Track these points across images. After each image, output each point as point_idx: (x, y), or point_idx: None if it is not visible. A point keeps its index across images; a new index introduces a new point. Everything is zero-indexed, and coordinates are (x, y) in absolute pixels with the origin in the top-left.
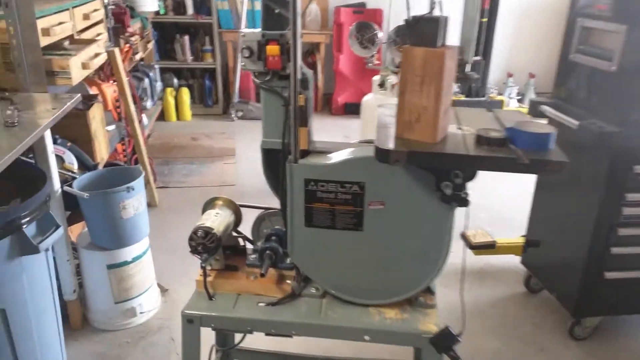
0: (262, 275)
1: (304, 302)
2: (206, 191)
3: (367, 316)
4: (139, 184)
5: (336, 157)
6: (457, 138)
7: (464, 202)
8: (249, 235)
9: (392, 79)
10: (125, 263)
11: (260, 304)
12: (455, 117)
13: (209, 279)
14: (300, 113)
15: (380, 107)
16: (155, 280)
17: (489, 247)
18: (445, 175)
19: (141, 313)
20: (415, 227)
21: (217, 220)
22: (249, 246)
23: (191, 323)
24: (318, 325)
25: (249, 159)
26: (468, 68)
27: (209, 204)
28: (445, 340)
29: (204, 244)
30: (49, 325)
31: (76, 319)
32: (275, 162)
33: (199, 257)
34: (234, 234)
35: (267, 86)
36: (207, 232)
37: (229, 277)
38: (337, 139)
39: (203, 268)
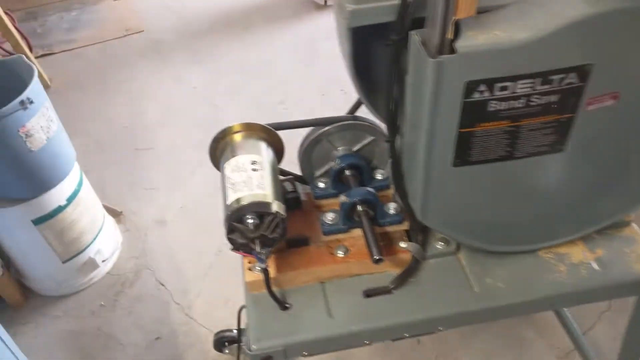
0: (377, 261)
1: (434, 269)
2: (108, 48)
3: (547, 269)
4: (36, 89)
5: (523, 24)
6: None
7: None
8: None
9: None
10: (59, 209)
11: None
12: None
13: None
14: None
15: None
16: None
17: None
18: None
19: (104, 261)
20: None
21: (263, 178)
22: (301, 189)
23: None
24: (483, 310)
25: None
26: None
27: (220, 143)
28: None
29: (264, 235)
30: None
31: (14, 296)
32: (374, 52)
33: (254, 256)
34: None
35: None
36: (263, 213)
37: (300, 259)
38: None
39: (265, 270)
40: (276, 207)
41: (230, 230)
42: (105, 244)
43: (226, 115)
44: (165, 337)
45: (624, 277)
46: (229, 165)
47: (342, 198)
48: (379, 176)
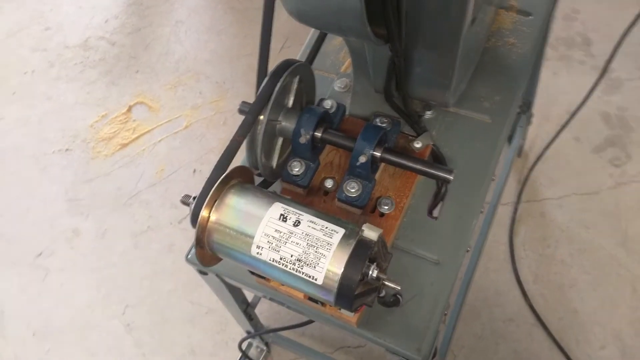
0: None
1: (443, 133)
2: None
3: (504, 53)
4: None
5: None
6: None
7: None
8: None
9: None
10: None
11: None
12: None
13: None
14: None
15: None
16: None
17: None
18: None
19: None
20: None
21: (315, 221)
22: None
23: None
24: (498, 125)
25: None
26: None
27: (204, 243)
28: None
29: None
30: None
31: None
32: None
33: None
34: None
35: None
36: (372, 252)
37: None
38: None
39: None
40: (369, 231)
41: (356, 300)
42: None
43: None
44: None
45: (545, 4)
46: (264, 251)
47: (361, 159)
48: (329, 107)
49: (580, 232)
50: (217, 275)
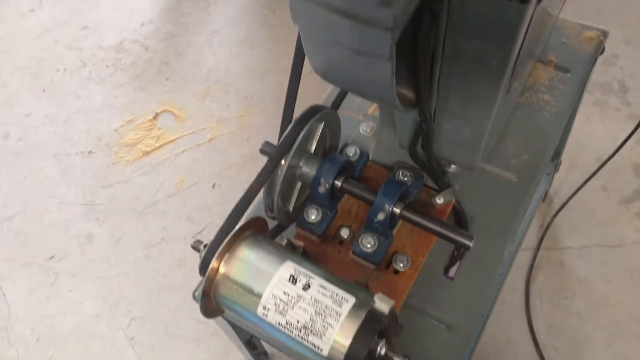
0: (471, 242)
1: (466, 189)
2: None
3: (538, 109)
4: None
5: None
6: None
7: None
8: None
9: None
10: None
11: None
12: None
13: None
14: None
15: None
16: None
17: None
18: None
19: None
20: None
21: (326, 286)
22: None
23: None
24: (525, 188)
25: None
26: None
27: (209, 297)
28: None
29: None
30: None
31: None
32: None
33: None
34: None
35: None
36: (381, 325)
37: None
38: None
39: None
40: (381, 303)
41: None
42: None
43: None
44: None
45: (584, 64)
46: (270, 312)
47: (379, 216)
48: (351, 155)
49: (599, 286)
50: (222, 316)
